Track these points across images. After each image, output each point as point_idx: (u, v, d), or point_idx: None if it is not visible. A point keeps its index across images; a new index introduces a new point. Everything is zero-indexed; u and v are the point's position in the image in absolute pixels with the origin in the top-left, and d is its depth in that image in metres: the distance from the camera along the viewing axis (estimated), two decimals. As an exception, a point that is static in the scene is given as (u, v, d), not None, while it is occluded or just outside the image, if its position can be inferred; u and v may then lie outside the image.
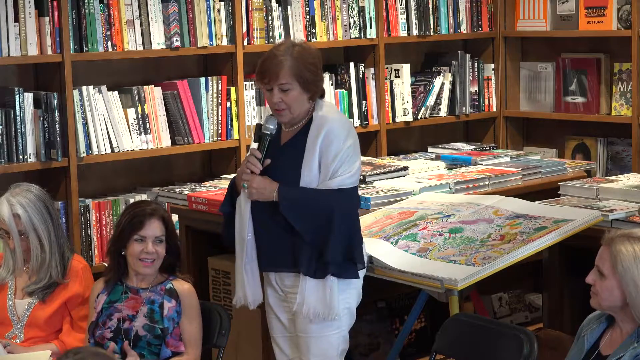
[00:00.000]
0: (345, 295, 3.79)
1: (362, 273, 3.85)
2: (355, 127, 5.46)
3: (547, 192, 4.94)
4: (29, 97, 4.77)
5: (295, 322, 3.84)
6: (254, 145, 3.86)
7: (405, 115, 6.04)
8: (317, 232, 3.69)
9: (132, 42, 5.07)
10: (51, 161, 4.81)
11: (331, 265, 3.70)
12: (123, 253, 3.93)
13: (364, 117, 5.87)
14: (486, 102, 6.45)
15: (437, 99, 6.20)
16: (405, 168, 5.15)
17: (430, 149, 5.97)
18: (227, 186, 4.90)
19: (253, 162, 3.77)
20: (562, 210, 4.38)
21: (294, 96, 3.73)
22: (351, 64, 5.82)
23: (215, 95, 5.32)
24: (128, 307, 3.89)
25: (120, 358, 3.81)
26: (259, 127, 3.83)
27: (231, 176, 5.20)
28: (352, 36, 5.80)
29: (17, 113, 4.73)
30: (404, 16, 6.00)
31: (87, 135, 4.94)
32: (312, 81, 3.75)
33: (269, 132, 3.79)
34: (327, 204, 3.69)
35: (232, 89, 5.38)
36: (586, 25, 6.07)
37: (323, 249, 3.69)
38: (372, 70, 5.90)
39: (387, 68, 5.98)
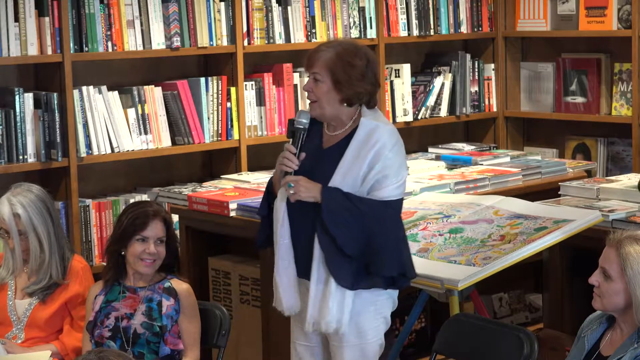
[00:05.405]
0: (381, 305, 3.69)
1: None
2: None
3: (547, 192, 4.94)
4: (29, 97, 4.77)
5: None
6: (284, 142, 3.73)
7: (405, 115, 6.03)
8: (359, 242, 3.55)
9: (132, 42, 5.06)
10: (51, 161, 4.81)
11: (383, 279, 3.60)
12: (123, 253, 3.92)
13: (364, 117, 5.86)
14: (486, 102, 6.44)
15: (437, 99, 6.20)
16: (406, 168, 5.15)
17: (430, 149, 5.97)
18: (227, 186, 4.94)
19: (289, 157, 3.64)
20: (562, 210, 4.38)
21: (323, 90, 3.63)
22: (351, 64, 5.81)
23: (215, 96, 5.32)
24: (126, 306, 3.88)
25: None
26: (291, 122, 3.72)
27: (231, 176, 5.23)
28: (353, 36, 5.79)
29: (17, 113, 4.72)
30: (404, 16, 6.00)
31: (87, 136, 4.94)
32: (344, 82, 3.61)
33: (302, 126, 3.68)
34: (374, 213, 3.55)
35: (232, 89, 5.37)
36: (586, 25, 6.06)
37: (369, 262, 3.57)
38: (372, 70, 5.88)
39: (387, 68, 5.98)
